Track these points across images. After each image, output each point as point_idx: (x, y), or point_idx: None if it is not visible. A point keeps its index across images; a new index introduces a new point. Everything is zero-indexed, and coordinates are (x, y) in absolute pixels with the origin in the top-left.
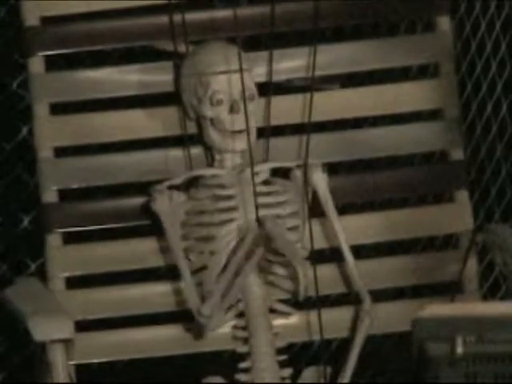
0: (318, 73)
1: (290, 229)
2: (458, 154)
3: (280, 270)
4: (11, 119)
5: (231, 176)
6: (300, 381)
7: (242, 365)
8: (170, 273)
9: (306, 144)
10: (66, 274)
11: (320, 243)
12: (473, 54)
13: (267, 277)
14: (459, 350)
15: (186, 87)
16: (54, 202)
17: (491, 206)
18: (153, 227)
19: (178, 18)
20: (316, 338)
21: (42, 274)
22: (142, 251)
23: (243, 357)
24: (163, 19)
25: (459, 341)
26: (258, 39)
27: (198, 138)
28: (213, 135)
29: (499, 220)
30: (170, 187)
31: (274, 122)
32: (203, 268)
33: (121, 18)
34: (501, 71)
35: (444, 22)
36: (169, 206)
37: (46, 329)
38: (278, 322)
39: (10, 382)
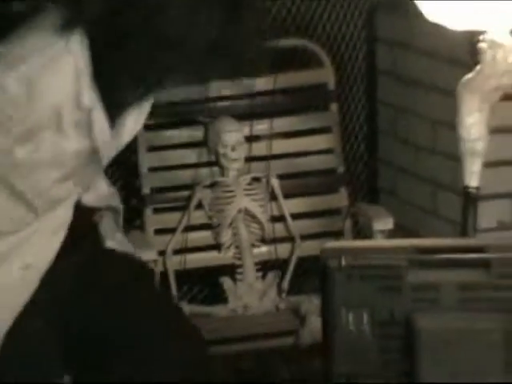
0: (273, 130)
1: (260, 206)
2: (340, 169)
3: (256, 225)
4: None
5: (232, 181)
6: (266, 278)
7: (238, 270)
8: (206, 226)
9: (268, 164)
10: (154, 228)
11: (275, 212)
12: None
13: (249, 229)
14: (343, 262)
15: (210, 138)
16: (149, 193)
17: (357, 194)
18: (198, 206)
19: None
20: (273, 257)
21: (140, 228)
22: (191, 217)
23: (239, 266)
24: (201, 106)
25: (343, 259)
26: (243, 116)
27: (216, 163)
28: (223, 161)
29: (362, 200)
30: (204, 186)
31: (254, 153)
32: (219, 225)
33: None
34: (363, 124)
35: (333, 106)
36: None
37: (142, 253)
38: (255, 250)
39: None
